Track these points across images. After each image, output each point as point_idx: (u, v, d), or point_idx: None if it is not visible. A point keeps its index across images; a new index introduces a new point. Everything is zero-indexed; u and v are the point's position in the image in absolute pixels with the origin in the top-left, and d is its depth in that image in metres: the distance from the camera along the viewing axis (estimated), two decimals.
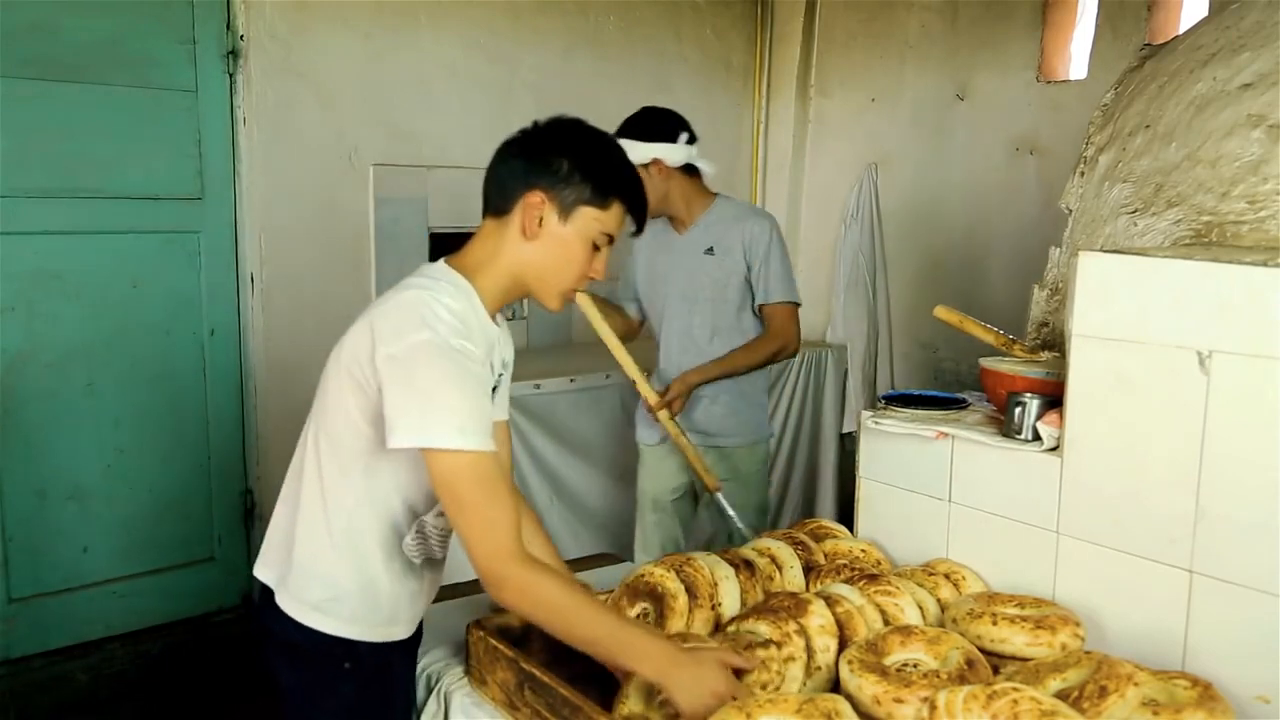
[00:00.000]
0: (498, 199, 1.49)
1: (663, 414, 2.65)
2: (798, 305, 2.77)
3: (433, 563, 1.60)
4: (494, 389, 1.54)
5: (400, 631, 1.58)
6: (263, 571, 1.58)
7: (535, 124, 1.50)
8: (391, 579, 1.53)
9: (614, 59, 4.17)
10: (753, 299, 2.76)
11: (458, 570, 1.62)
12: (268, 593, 1.56)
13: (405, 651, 1.65)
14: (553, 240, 1.47)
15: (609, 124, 4.38)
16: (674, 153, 2.69)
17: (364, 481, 1.48)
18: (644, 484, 2.95)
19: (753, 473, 2.85)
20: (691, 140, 2.74)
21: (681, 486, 2.89)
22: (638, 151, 2.69)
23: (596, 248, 1.50)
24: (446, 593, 1.75)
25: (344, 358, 1.44)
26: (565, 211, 1.46)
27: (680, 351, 2.80)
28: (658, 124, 2.72)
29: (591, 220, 1.47)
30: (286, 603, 1.53)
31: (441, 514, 1.52)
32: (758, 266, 2.72)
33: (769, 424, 2.96)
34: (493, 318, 1.52)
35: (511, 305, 4.44)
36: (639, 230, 1.56)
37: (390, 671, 1.60)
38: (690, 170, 2.76)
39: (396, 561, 1.53)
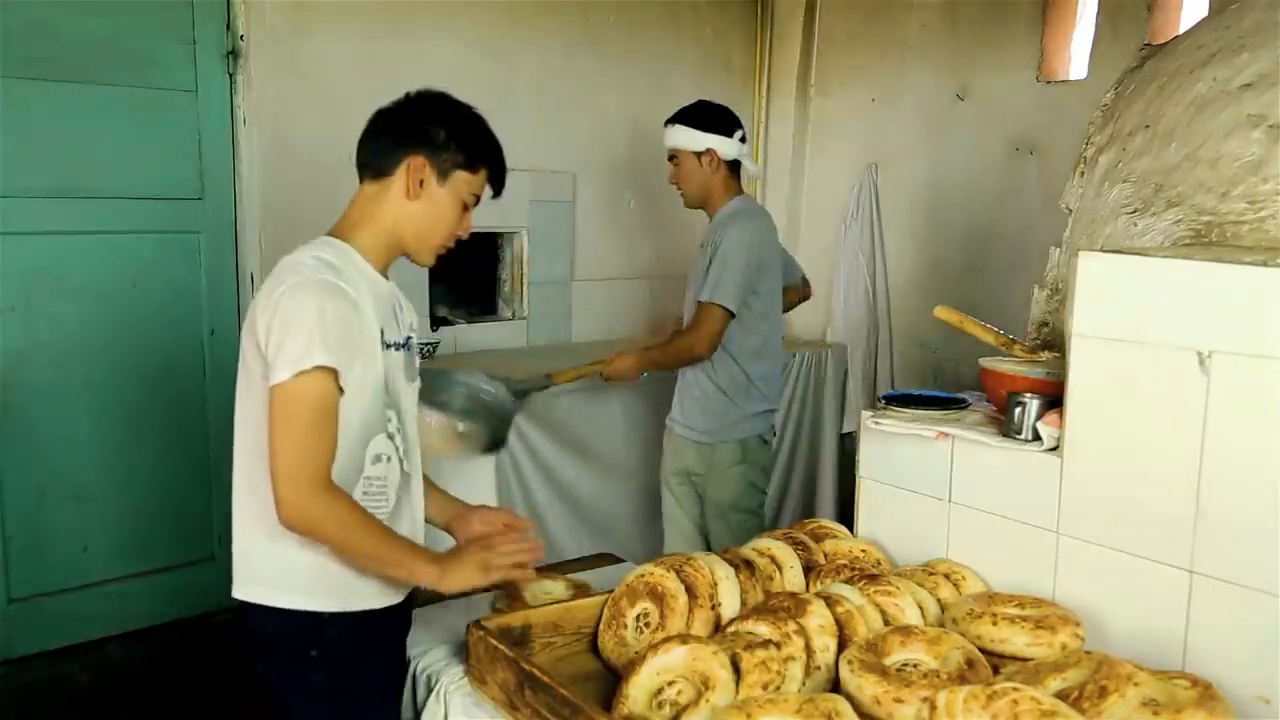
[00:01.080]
0: (377, 163, 1.64)
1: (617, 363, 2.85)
2: (724, 310, 2.70)
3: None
4: (405, 346, 1.63)
5: (368, 600, 1.58)
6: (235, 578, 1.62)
7: (407, 96, 1.66)
8: None
9: (614, 59, 4.17)
10: None
11: None
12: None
13: (384, 639, 1.64)
14: (432, 201, 1.62)
15: (610, 122, 4.38)
16: (727, 146, 2.81)
17: None
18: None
19: (722, 470, 2.86)
20: (744, 140, 2.86)
21: (681, 471, 2.95)
22: (694, 139, 2.81)
23: (466, 208, 1.66)
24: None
25: (244, 345, 1.55)
26: (443, 175, 1.62)
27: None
28: (716, 117, 2.84)
29: (463, 183, 1.64)
30: (248, 591, 1.57)
31: (377, 461, 1.57)
32: (711, 265, 2.74)
33: (759, 423, 2.88)
34: (383, 275, 1.63)
35: (512, 306, 4.43)
36: (497, 194, 1.72)
37: (364, 660, 1.59)
38: (734, 170, 2.86)
39: None
